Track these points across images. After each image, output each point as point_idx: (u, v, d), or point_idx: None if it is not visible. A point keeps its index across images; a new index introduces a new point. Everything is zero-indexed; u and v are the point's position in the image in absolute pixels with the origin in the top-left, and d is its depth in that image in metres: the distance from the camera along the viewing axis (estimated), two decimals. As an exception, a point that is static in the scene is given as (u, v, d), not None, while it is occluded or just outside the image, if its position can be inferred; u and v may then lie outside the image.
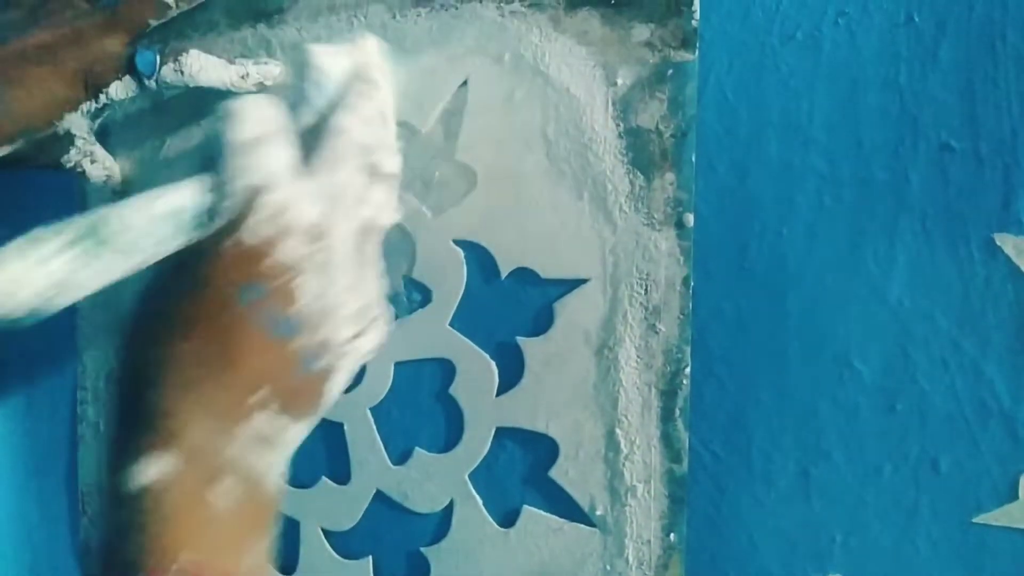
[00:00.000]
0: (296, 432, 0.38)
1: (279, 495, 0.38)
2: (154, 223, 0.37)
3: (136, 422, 0.36)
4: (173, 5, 0.49)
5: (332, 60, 0.41)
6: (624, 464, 0.45)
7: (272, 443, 0.37)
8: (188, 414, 0.35)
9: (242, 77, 0.49)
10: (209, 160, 0.38)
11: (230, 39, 0.52)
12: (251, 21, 0.51)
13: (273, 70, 0.50)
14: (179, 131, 0.53)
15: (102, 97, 0.48)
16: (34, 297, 0.35)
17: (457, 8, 0.47)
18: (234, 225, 0.36)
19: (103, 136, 0.55)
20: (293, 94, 0.41)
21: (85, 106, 0.48)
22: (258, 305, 0.36)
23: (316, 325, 0.37)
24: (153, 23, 0.49)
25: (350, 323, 0.38)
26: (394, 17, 0.48)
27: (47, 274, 0.35)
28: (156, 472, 0.34)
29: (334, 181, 0.38)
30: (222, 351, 0.36)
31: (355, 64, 0.42)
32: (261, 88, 0.50)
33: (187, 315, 0.36)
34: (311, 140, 0.39)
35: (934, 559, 0.41)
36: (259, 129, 0.37)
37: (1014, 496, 0.40)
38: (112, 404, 0.38)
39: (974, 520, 0.41)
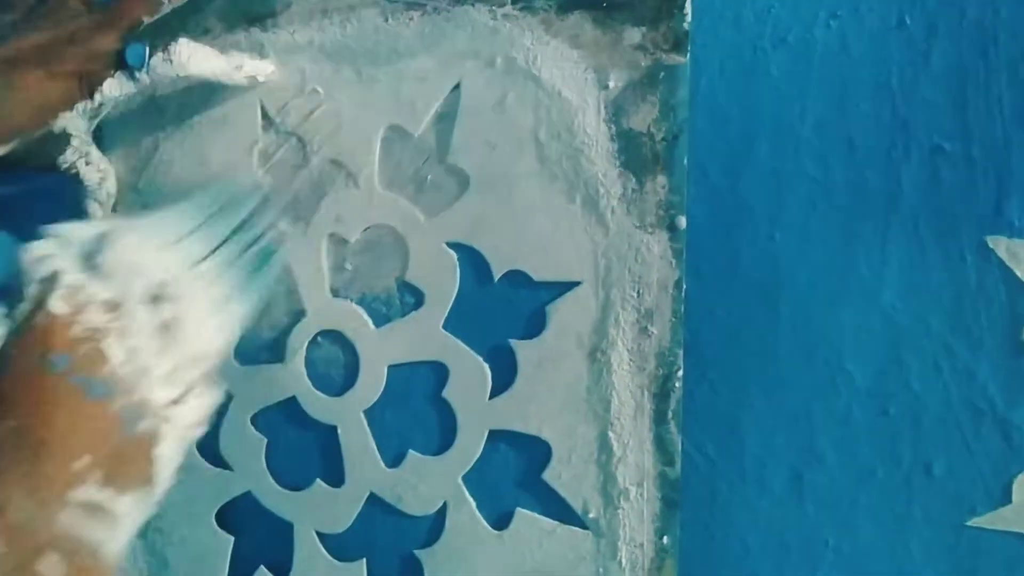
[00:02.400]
0: (126, 506, 0.38)
1: (114, 570, 0.38)
2: None
3: None
4: (166, 0, 0.49)
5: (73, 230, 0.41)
6: (617, 467, 0.45)
7: (101, 516, 0.37)
8: (7, 494, 0.36)
9: (236, 68, 0.49)
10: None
11: (224, 43, 0.51)
12: (244, 25, 0.51)
13: (267, 66, 0.50)
14: (173, 134, 0.53)
15: (97, 96, 0.48)
16: None
17: (449, 12, 0.47)
18: (34, 310, 0.38)
19: (97, 139, 0.55)
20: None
21: (81, 106, 0.48)
22: (68, 372, 0.37)
23: (131, 386, 0.38)
24: (146, 20, 0.49)
25: (165, 386, 0.39)
26: (386, 20, 0.48)
27: None
28: None
29: (115, 281, 0.39)
30: (39, 424, 0.37)
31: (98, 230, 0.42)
32: (253, 82, 0.50)
33: (6, 391, 0.37)
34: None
35: (927, 563, 0.41)
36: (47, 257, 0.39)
37: (1007, 499, 0.40)
38: None
39: (967, 523, 0.41)
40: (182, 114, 0.51)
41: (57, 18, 0.49)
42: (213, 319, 0.41)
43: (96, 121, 0.50)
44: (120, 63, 0.47)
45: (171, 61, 0.47)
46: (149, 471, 0.39)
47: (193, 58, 0.47)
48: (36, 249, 0.39)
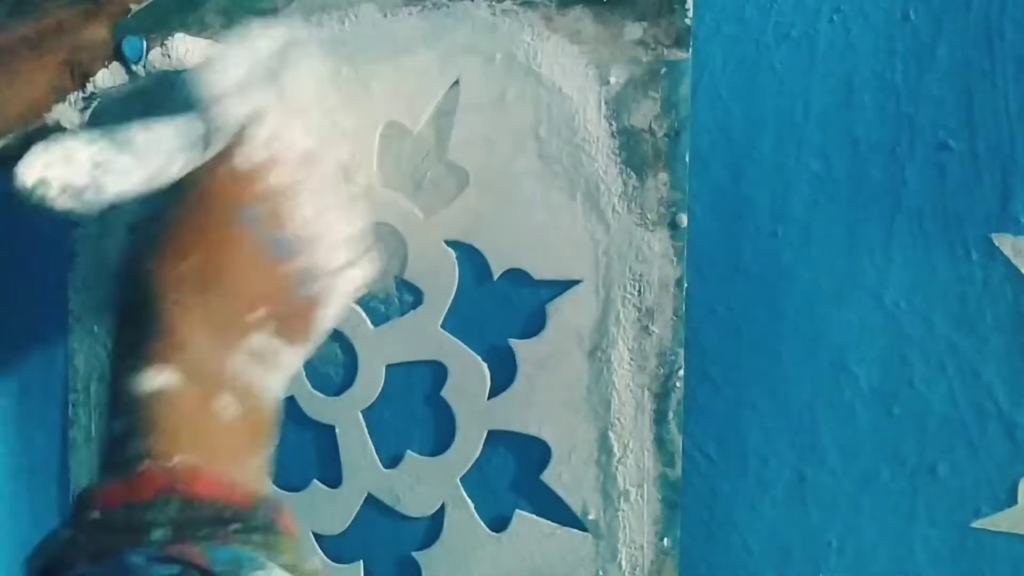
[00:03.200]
0: (291, 356, 0.40)
1: (276, 415, 0.40)
2: (160, 135, 0.39)
3: (141, 334, 0.37)
4: None
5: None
6: (617, 468, 0.45)
7: (269, 364, 0.39)
8: (189, 330, 0.37)
9: None
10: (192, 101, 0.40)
11: (224, 39, 0.51)
12: (245, 21, 0.51)
13: None
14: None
15: (89, 86, 0.47)
16: (69, 185, 0.37)
17: (449, 7, 0.46)
18: (227, 153, 0.39)
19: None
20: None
21: (73, 96, 0.48)
22: (255, 224, 0.38)
23: (310, 248, 0.39)
24: (134, 7, 0.48)
25: (342, 250, 0.41)
26: (385, 16, 0.48)
27: (74, 168, 0.37)
28: (161, 382, 0.36)
29: (317, 119, 0.41)
30: (221, 270, 0.38)
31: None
32: None
33: (186, 236, 0.38)
34: None
35: (932, 565, 0.41)
36: (240, 73, 0.40)
37: (1013, 501, 0.39)
38: (114, 317, 0.39)
39: (972, 525, 0.40)
40: (176, 106, 0.50)
41: (45, 7, 0.48)
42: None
43: (87, 112, 0.50)
44: (117, 54, 0.47)
45: (169, 56, 0.47)
46: (313, 328, 0.41)
47: (190, 53, 0.47)
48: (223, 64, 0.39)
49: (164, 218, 0.39)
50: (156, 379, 0.36)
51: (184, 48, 0.47)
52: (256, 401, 0.39)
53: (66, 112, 0.48)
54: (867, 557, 0.42)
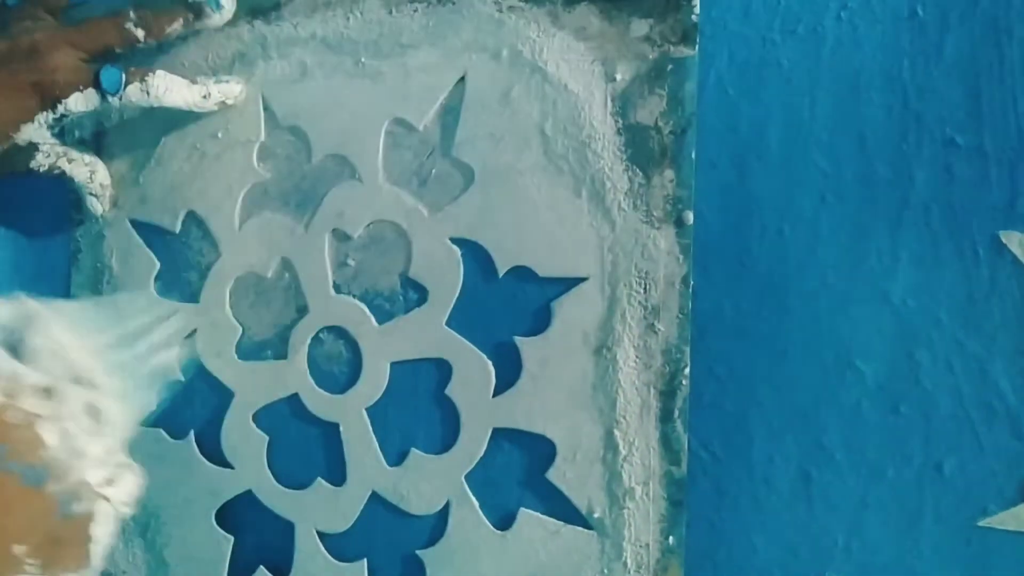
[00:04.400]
0: None
1: None
2: None
3: None
4: (141, 39, 0.48)
5: None
6: (622, 466, 0.44)
7: None
8: None
9: (204, 97, 0.49)
10: None
11: (226, 35, 0.51)
12: (247, 17, 0.51)
13: (234, 88, 0.50)
14: (174, 128, 0.53)
15: (60, 108, 0.47)
16: None
17: (454, 3, 0.46)
18: None
19: (98, 135, 0.55)
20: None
21: (41, 117, 0.47)
22: (5, 458, 0.38)
23: (66, 469, 0.39)
24: (117, 51, 0.48)
25: (98, 466, 0.40)
26: (390, 12, 0.47)
27: None
28: None
29: (46, 368, 0.40)
30: None
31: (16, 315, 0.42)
32: (223, 107, 0.50)
33: None
34: None
35: (938, 563, 0.41)
36: None
37: (1020, 499, 0.39)
38: None
39: (979, 523, 0.40)
40: (184, 113, 0.50)
41: (22, 27, 0.48)
42: (124, 408, 0.43)
43: (60, 126, 0.49)
44: (95, 82, 0.47)
45: (147, 92, 0.47)
46: (86, 550, 0.40)
47: (168, 91, 0.48)
48: None
49: None
50: None
51: (164, 87, 0.47)
52: None
53: (39, 132, 0.48)
54: (873, 555, 0.41)
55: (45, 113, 0.48)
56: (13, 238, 0.59)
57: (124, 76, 0.47)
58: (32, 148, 0.49)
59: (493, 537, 0.47)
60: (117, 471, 0.41)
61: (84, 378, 0.41)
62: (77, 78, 0.47)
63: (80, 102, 0.47)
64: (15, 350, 0.40)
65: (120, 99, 0.47)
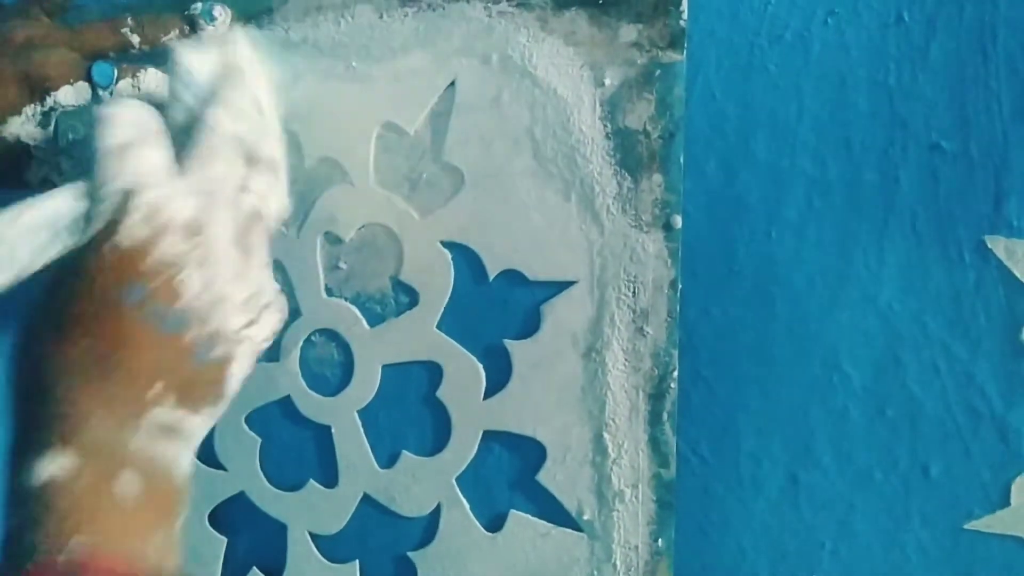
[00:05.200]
0: (198, 423, 0.39)
1: (186, 484, 0.39)
2: (28, 234, 0.37)
3: (35, 422, 0.36)
4: (135, 45, 0.48)
5: (199, 57, 0.41)
6: (612, 468, 0.45)
7: (174, 435, 0.38)
8: (85, 412, 0.36)
9: None
10: (85, 164, 0.38)
11: (221, 39, 0.51)
12: (241, 21, 0.51)
13: None
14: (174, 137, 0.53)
15: (48, 100, 0.47)
16: None
17: (444, 8, 0.46)
18: (111, 229, 0.37)
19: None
20: (166, 93, 0.42)
21: (29, 109, 0.48)
22: (143, 304, 0.37)
23: (205, 317, 0.38)
24: (112, 55, 0.48)
25: (240, 312, 0.39)
26: (381, 17, 0.48)
27: None
28: (55, 469, 0.35)
29: (209, 176, 0.39)
30: (113, 350, 0.37)
31: (223, 59, 0.42)
32: None
33: (76, 318, 0.37)
34: (185, 138, 0.40)
35: (924, 566, 0.41)
36: (129, 133, 0.38)
37: (1006, 502, 0.39)
38: (11, 407, 0.38)
39: (965, 526, 0.40)
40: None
41: (14, 24, 0.48)
42: (284, 191, 0.41)
43: (51, 128, 0.49)
44: (87, 76, 0.47)
45: (138, 88, 0.47)
46: (221, 389, 0.39)
47: (159, 88, 0.48)
48: (114, 122, 0.38)
49: (52, 300, 0.38)
50: (50, 466, 0.35)
51: (155, 83, 0.47)
52: (161, 475, 0.37)
53: (26, 127, 0.48)
54: (860, 558, 0.42)
55: (33, 105, 0.48)
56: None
57: (116, 72, 0.47)
58: (25, 154, 0.49)
59: (484, 539, 0.47)
60: (261, 312, 0.40)
61: (255, 168, 0.40)
62: (69, 72, 0.47)
63: (70, 95, 0.47)
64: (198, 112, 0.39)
65: (111, 94, 0.47)
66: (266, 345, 0.41)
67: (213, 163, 0.39)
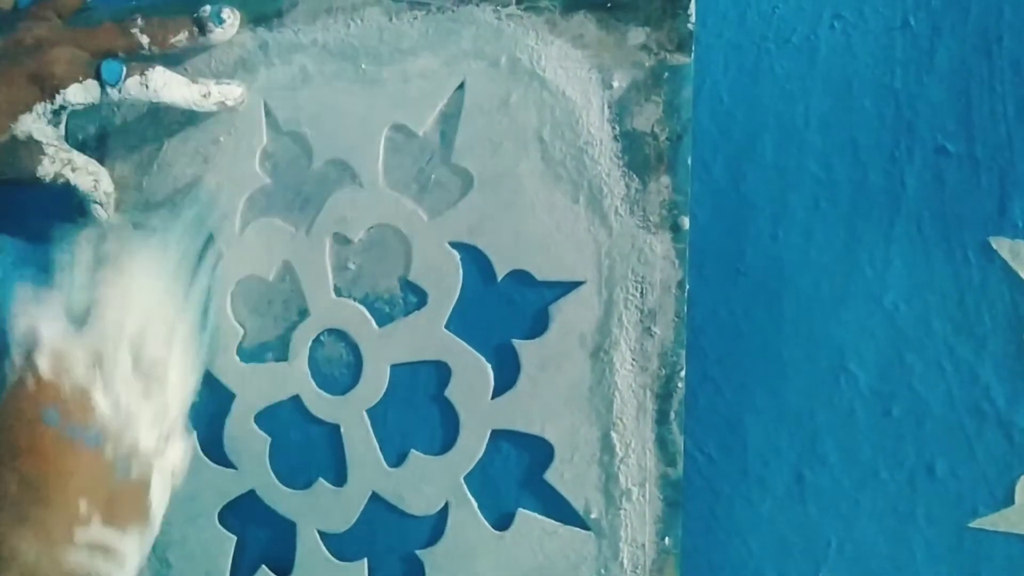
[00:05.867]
0: (129, 544, 0.42)
1: None
2: None
3: None
4: (145, 46, 0.49)
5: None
6: (619, 467, 0.45)
7: (108, 555, 0.41)
8: (18, 538, 0.39)
9: (204, 96, 0.49)
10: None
11: (229, 41, 0.51)
12: (250, 24, 0.51)
13: (235, 90, 0.50)
14: (177, 132, 0.53)
15: (58, 98, 0.48)
16: None
17: (453, 11, 0.47)
18: (22, 369, 0.41)
19: (101, 139, 0.55)
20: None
21: (40, 107, 0.48)
22: (62, 423, 0.40)
23: (119, 433, 0.41)
24: (121, 54, 0.49)
25: (151, 427, 0.43)
26: (391, 20, 0.48)
27: None
28: None
29: (101, 331, 0.42)
30: (40, 472, 0.40)
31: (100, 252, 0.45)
32: (222, 107, 0.50)
33: (7, 445, 0.40)
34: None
35: (930, 564, 0.41)
36: (31, 320, 0.42)
37: (1010, 501, 0.40)
38: None
39: (970, 525, 0.40)
40: (186, 112, 0.51)
41: (26, 25, 0.49)
42: (186, 361, 0.45)
43: (62, 126, 0.50)
44: (96, 73, 0.47)
45: (146, 86, 0.48)
46: (144, 510, 0.42)
47: (167, 86, 0.48)
48: (21, 312, 0.42)
49: None
50: None
51: (163, 81, 0.48)
52: None
53: (38, 124, 0.49)
54: (866, 556, 0.42)
55: (43, 104, 0.48)
56: (15, 240, 0.59)
57: (124, 70, 0.47)
58: (37, 150, 0.49)
59: (491, 537, 0.48)
60: (169, 433, 0.43)
61: (146, 336, 0.43)
62: (78, 70, 0.48)
63: (79, 93, 0.48)
64: (78, 324, 0.42)
65: (119, 92, 0.48)
66: (178, 480, 0.44)
67: (104, 322, 0.43)
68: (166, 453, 0.43)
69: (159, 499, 0.43)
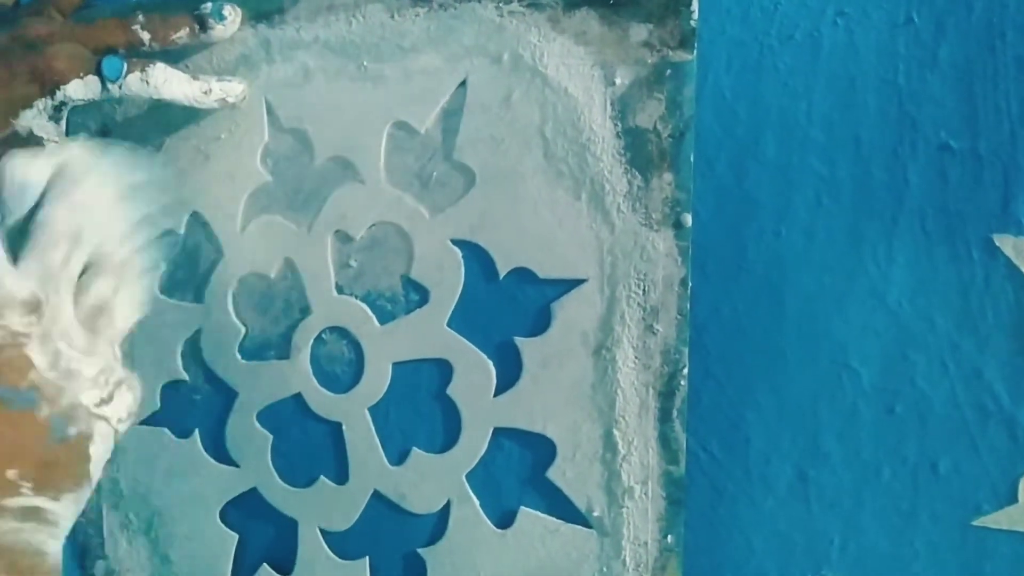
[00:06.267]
0: (64, 506, 0.38)
1: (55, 572, 0.38)
2: None
3: None
4: (146, 43, 0.49)
5: (28, 167, 0.40)
6: (621, 465, 0.45)
7: (40, 519, 0.37)
8: None
9: (205, 92, 0.49)
10: None
11: (230, 38, 0.51)
12: (252, 21, 0.51)
13: (236, 87, 0.50)
14: (178, 129, 0.53)
15: (59, 94, 0.48)
16: None
17: (456, 8, 0.47)
18: None
19: (103, 134, 0.55)
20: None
21: (40, 103, 0.48)
22: None
23: (57, 391, 0.37)
24: (122, 52, 0.49)
25: (93, 386, 0.38)
26: (392, 17, 0.48)
27: None
28: None
29: (44, 263, 0.38)
30: None
31: (55, 164, 0.40)
32: (223, 104, 0.50)
33: None
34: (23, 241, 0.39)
35: (933, 562, 0.41)
36: None
37: (1014, 499, 0.40)
38: None
39: (974, 523, 0.40)
40: (187, 109, 0.51)
41: (28, 21, 0.49)
42: (136, 297, 0.41)
43: (63, 122, 0.50)
44: (96, 69, 0.47)
45: (147, 82, 0.48)
46: (83, 471, 0.38)
47: (168, 82, 0.48)
48: None
49: None
50: None
51: (163, 77, 0.48)
52: (27, 565, 0.36)
53: (38, 121, 0.48)
54: (868, 554, 0.42)
55: (45, 100, 0.48)
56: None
57: (125, 66, 0.47)
58: (38, 145, 0.49)
59: (493, 535, 0.48)
60: (114, 389, 0.39)
61: (96, 266, 0.39)
62: (79, 66, 0.48)
63: (80, 89, 0.48)
64: (32, 214, 0.38)
65: (120, 87, 0.48)
66: (123, 427, 0.40)
67: (47, 252, 0.38)
68: (112, 406, 0.39)
69: (101, 457, 0.39)
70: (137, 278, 0.41)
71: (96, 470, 0.39)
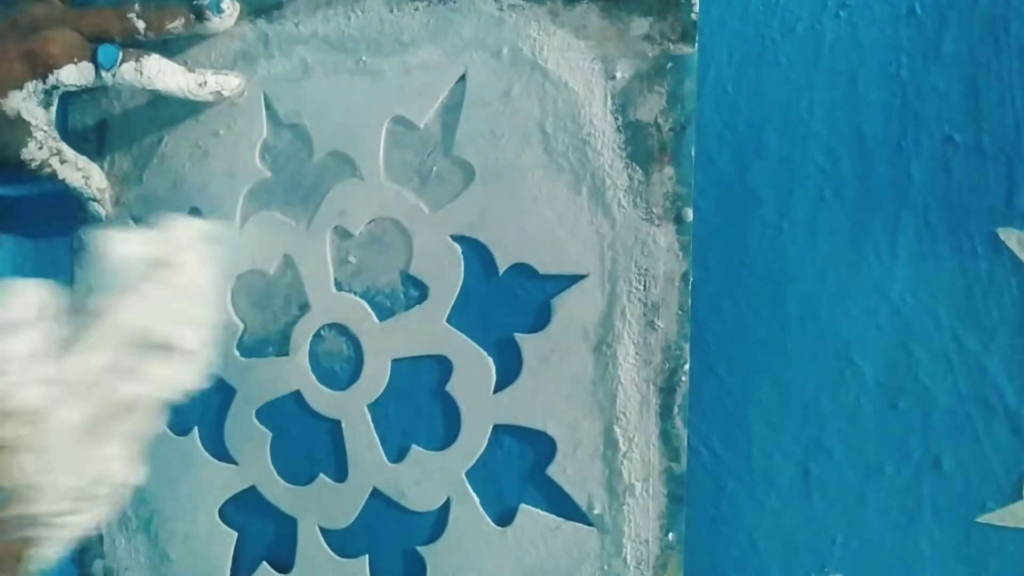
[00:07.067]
0: None
1: None
2: None
3: None
4: (141, 31, 0.49)
5: (127, 248, 0.40)
6: (622, 462, 0.45)
7: None
8: None
9: (200, 85, 0.49)
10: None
11: (229, 33, 0.51)
12: (250, 16, 0.51)
13: (232, 80, 0.50)
14: (177, 126, 0.53)
15: (51, 78, 0.47)
16: None
17: (455, 2, 0.46)
18: None
19: (101, 131, 0.55)
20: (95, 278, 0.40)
21: (31, 85, 0.48)
22: None
23: (27, 500, 0.37)
24: (117, 39, 0.49)
25: (63, 500, 0.38)
26: (391, 11, 0.48)
27: None
28: None
29: (77, 364, 0.38)
30: None
31: (155, 250, 0.40)
32: (218, 98, 0.50)
33: None
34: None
35: (937, 559, 0.41)
36: (10, 316, 0.37)
37: (1018, 496, 0.39)
38: None
39: (978, 520, 0.40)
40: (186, 105, 0.51)
41: (25, 5, 0.49)
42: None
43: (53, 109, 0.50)
44: (91, 56, 0.47)
45: (140, 72, 0.47)
46: (19, 567, 0.38)
47: (161, 73, 0.48)
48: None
49: None
50: None
51: (157, 68, 0.48)
52: None
53: (27, 104, 0.48)
54: (872, 551, 0.42)
55: (35, 82, 0.48)
56: (16, 235, 0.59)
57: (120, 55, 0.47)
58: (24, 130, 0.49)
59: (493, 533, 0.47)
60: (80, 506, 0.39)
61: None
62: (74, 51, 0.48)
63: (73, 74, 0.48)
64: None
65: (114, 76, 0.48)
66: (85, 533, 0.40)
67: (89, 351, 0.38)
68: (71, 520, 0.39)
69: (46, 559, 0.39)
70: (203, 359, 0.42)
71: (32, 566, 0.39)
